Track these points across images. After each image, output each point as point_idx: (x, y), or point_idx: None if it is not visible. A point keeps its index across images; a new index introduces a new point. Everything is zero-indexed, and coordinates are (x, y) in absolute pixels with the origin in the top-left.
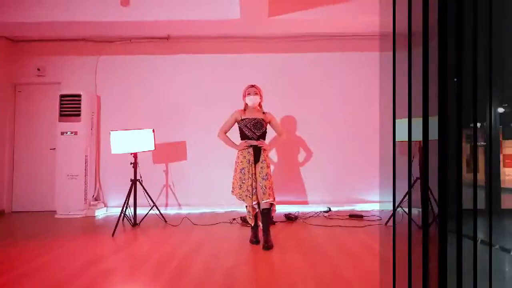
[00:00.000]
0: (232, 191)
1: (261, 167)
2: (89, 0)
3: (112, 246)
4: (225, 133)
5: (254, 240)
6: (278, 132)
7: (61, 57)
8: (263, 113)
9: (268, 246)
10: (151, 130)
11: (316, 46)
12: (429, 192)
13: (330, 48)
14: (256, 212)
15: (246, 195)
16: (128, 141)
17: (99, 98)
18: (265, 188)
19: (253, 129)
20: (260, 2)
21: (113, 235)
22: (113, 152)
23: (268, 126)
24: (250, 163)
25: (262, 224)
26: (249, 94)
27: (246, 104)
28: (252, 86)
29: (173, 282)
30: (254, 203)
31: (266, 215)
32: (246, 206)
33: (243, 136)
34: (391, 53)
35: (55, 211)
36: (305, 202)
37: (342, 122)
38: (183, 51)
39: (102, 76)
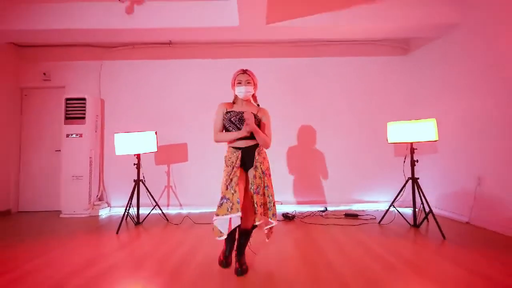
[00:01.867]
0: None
1: (254, 176)
2: (94, 8)
3: (116, 243)
4: (220, 131)
5: (224, 262)
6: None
7: (66, 62)
8: (258, 106)
9: (242, 269)
10: (154, 132)
11: (316, 51)
12: (419, 191)
13: (331, 53)
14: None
15: (235, 207)
16: (131, 143)
17: (103, 102)
18: (256, 205)
19: (238, 125)
20: (258, 10)
21: (117, 232)
22: (117, 153)
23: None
24: (234, 169)
25: (239, 247)
26: (239, 83)
27: (236, 96)
28: (244, 71)
29: (175, 278)
30: (231, 215)
31: (247, 236)
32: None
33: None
34: (384, 58)
35: (60, 211)
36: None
37: (340, 125)
38: (184, 56)
39: (105, 80)
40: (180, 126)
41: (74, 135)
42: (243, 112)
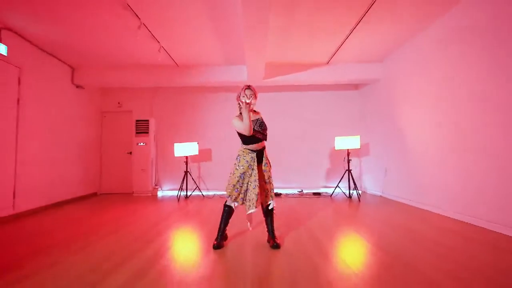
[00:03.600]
0: (228, 193)
1: (264, 170)
2: (161, 71)
3: (179, 206)
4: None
5: (216, 244)
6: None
7: (133, 95)
8: (259, 114)
9: (277, 244)
10: (196, 142)
11: (296, 88)
12: (352, 179)
13: (307, 89)
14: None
15: (237, 197)
16: (183, 149)
17: (156, 121)
18: (268, 191)
19: (261, 130)
20: (259, 72)
21: (178, 201)
22: (175, 155)
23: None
24: (252, 169)
25: (268, 224)
26: (244, 96)
27: (240, 106)
28: (248, 87)
29: (207, 220)
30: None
31: (271, 215)
32: (229, 197)
33: (251, 140)
34: (342, 92)
35: (132, 192)
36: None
37: (307, 135)
38: (209, 91)
39: (157, 107)
40: (206, 137)
41: (141, 144)
42: (258, 119)
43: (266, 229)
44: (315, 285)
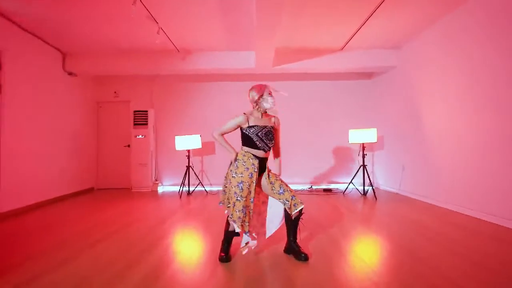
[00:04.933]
0: (228, 211)
1: (271, 182)
2: (161, 57)
3: (181, 203)
4: (222, 134)
5: (225, 257)
6: (276, 149)
7: (130, 84)
8: (271, 119)
9: (306, 256)
10: (199, 135)
11: (308, 77)
12: (367, 174)
13: (318, 78)
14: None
15: (238, 217)
16: (185, 142)
17: (155, 111)
18: (289, 200)
19: (265, 140)
20: (267, 58)
21: (180, 198)
22: (177, 149)
23: None
24: (252, 178)
25: (290, 235)
26: (262, 95)
27: (257, 107)
28: (265, 85)
29: (212, 217)
30: (246, 233)
31: (295, 224)
32: (231, 217)
33: (250, 146)
34: (355, 81)
35: (130, 188)
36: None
37: (320, 130)
38: (213, 79)
39: (156, 97)
40: (209, 129)
41: (140, 136)
42: (269, 127)
43: (287, 237)
44: None
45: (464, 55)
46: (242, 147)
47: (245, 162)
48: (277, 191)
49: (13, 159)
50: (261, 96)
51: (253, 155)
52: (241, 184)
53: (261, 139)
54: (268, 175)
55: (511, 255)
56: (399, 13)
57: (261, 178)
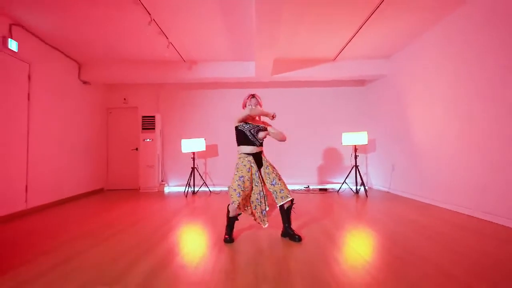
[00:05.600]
0: (231, 200)
1: (267, 173)
2: (168, 67)
3: (187, 201)
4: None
5: (228, 238)
6: (278, 138)
7: (138, 91)
8: (263, 122)
9: (299, 237)
10: (203, 138)
11: (304, 84)
12: (359, 174)
13: (314, 85)
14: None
15: (244, 204)
16: (190, 145)
17: (162, 116)
18: (278, 192)
19: (253, 135)
20: (267, 68)
21: (186, 197)
22: (183, 151)
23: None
24: (250, 172)
25: (285, 222)
26: (250, 105)
27: (247, 115)
28: (253, 96)
29: (217, 216)
30: (249, 214)
31: (287, 213)
32: (233, 203)
33: (244, 141)
34: (349, 88)
35: (138, 188)
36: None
37: (315, 133)
38: (216, 87)
39: (163, 103)
40: (212, 133)
41: (148, 140)
42: (259, 126)
43: (283, 225)
44: (333, 276)
45: (449, 63)
46: (237, 151)
47: (242, 161)
48: (270, 182)
49: (37, 161)
50: (244, 102)
51: (246, 153)
52: (242, 178)
53: (252, 134)
54: (267, 166)
55: (475, 242)
56: (388, 24)
57: (261, 170)
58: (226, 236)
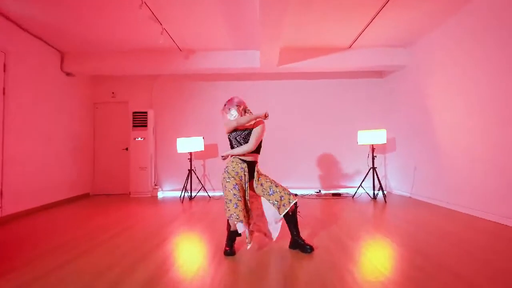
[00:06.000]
0: (229, 214)
1: (261, 184)
2: (162, 57)
3: (183, 208)
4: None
5: (229, 251)
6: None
7: (128, 84)
8: (255, 120)
9: (311, 247)
10: (202, 137)
11: (315, 75)
12: (377, 177)
13: (326, 77)
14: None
15: (244, 215)
16: (187, 144)
17: (154, 112)
18: (278, 200)
19: (243, 143)
20: (272, 57)
21: (182, 203)
22: (178, 151)
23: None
24: (243, 181)
25: (292, 231)
26: (229, 111)
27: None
28: (225, 104)
29: (215, 221)
30: (248, 227)
31: (293, 219)
32: (230, 217)
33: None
34: (366, 79)
35: (129, 193)
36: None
37: (329, 132)
38: (216, 79)
39: (156, 97)
40: (212, 131)
41: (139, 138)
42: (246, 130)
43: (291, 235)
44: None
45: (482, 51)
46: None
47: (234, 167)
48: (267, 192)
49: (14, 163)
50: (228, 111)
51: (241, 159)
52: (236, 186)
53: (239, 142)
54: (258, 178)
55: None
56: (409, 8)
57: (252, 183)
58: (227, 248)
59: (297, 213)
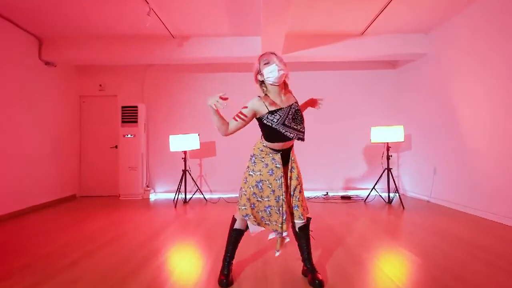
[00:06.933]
0: (239, 208)
1: (290, 177)
2: (153, 44)
3: (177, 213)
4: (230, 130)
5: (225, 280)
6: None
7: (117, 76)
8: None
9: (321, 282)
10: (197, 134)
11: (322, 66)
12: (392, 179)
13: (335, 68)
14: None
15: (262, 218)
16: (181, 142)
17: (146, 107)
18: (298, 207)
19: (294, 125)
20: (276, 44)
21: (175, 207)
22: (171, 150)
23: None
24: (275, 176)
25: (303, 250)
26: (267, 63)
27: (264, 88)
28: (272, 53)
29: (213, 231)
30: (272, 234)
31: (306, 234)
32: (242, 213)
33: (276, 138)
34: (378, 71)
35: (118, 195)
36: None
37: (339, 128)
38: (213, 70)
39: (148, 90)
40: (209, 127)
41: (129, 135)
42: (292, 105)
43: (301, 257)
44: None
45: (511, 39)
46: (260, 140)
47: (263, 158)
48: (290, 191)
49: None
50: (257, 71)
51: (272, 149)
52: (260, 183)
53: (288, 126)
54: (291, 168)
55: None
56: None
57: (286, 170)
58: (222, 277)
59: (310, 231)
